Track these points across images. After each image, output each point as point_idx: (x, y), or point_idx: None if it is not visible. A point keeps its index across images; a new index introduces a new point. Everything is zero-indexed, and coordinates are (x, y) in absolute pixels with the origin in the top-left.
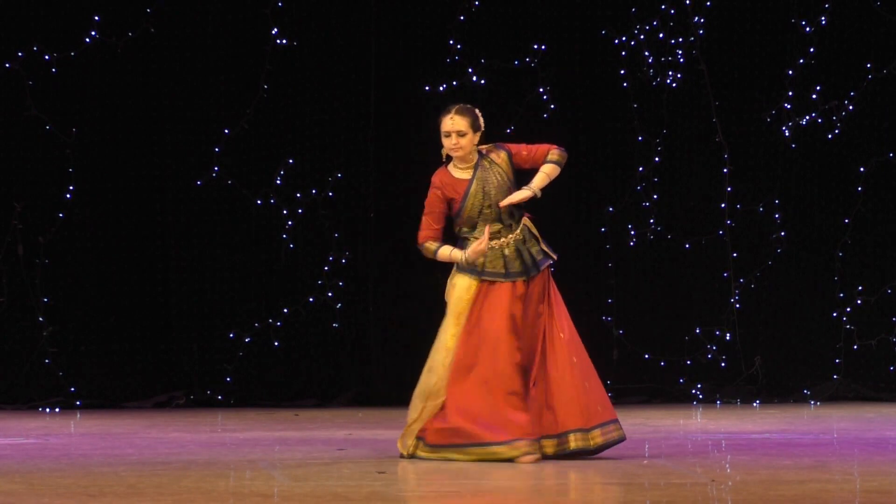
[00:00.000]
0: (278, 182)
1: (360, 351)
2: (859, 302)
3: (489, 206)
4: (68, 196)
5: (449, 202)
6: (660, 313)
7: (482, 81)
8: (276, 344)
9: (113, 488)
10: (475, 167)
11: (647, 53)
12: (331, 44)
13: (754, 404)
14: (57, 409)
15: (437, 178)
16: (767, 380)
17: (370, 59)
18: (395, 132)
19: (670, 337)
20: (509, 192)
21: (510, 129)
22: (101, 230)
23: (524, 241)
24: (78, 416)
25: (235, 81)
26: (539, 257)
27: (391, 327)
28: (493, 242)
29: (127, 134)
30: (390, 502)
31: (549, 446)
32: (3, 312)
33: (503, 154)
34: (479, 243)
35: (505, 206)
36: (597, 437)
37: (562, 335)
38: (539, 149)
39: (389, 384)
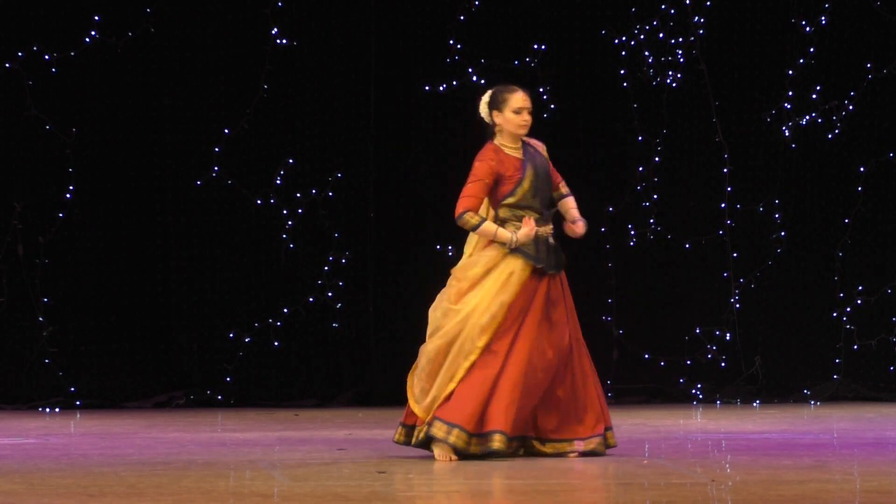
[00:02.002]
0: (278, 182)
1: (360, 351)
2: (859, 302)
3: (539, 191)
4: (68, 196)
5: (498, 178)
6: (660, 313)
7: (482, 81)
8: (276, 344)
9: (113, 488)
10: (523, 149)
11: (647, 53)
12: (331, 44)
13: (754, 404)
14: (57, 409)
15: (491, 152)
16: (767, 380)
17: (370, 59)
18: (395, 132)
19: (670, 337)
20: (550, 181)
21: None
22: (101, 230)
23: (555, 237)
24: (78, 416)
25: (235, 81)
26: (563, 257)
27: (391, 327)
28: (540, 230)
29: (127, 134)
30: (390, 502)
31: (552, 447)
32: (3, 312)
33: (542, 145)
34: (527, 227)
35: (548, 205)
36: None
37: (578, 340)
38: (556, 173)
39: (389, 384)
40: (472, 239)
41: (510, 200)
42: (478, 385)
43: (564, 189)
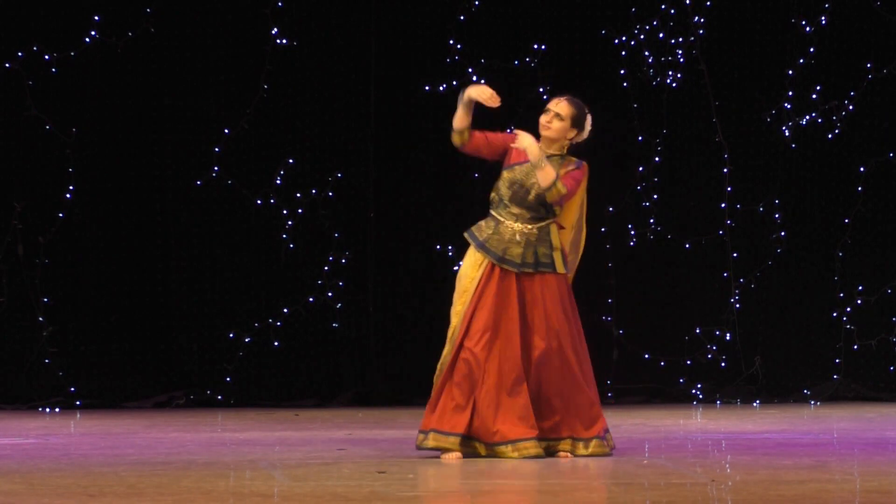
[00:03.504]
0: (278, 182)
1: (360, 351)
2: (859, 302)
3: (528, 187)
4: (68, 196)
5: (506, 151)
6: (660, 313)
7: (482, 81)
8: (276, 344)
9: (113, 488)
10: (550, 156)
11: (647, 53)
12: (331, 44)
13: (754, 404)
14: (57, 409)
15: (523, 132)
16: (767, 380)
17: (370, 59)
18: (395, 132)
19: (670, 337)
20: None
21: (510, 129)
22: (101, 230)
23: (538, 239)
24: (78, 416)
25: (235, 81)
26: (544, 259)
27: (391, 327)
28: (512, 225)
29: (127, 134)
30: (390, 502)
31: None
32: (3, 312)
33: (571, 166)
34: (479, 90)
35: (533, 197)
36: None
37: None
38: (569, 177)
39: (389, 384)
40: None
41: (506, 172)
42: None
43: (560, 179)
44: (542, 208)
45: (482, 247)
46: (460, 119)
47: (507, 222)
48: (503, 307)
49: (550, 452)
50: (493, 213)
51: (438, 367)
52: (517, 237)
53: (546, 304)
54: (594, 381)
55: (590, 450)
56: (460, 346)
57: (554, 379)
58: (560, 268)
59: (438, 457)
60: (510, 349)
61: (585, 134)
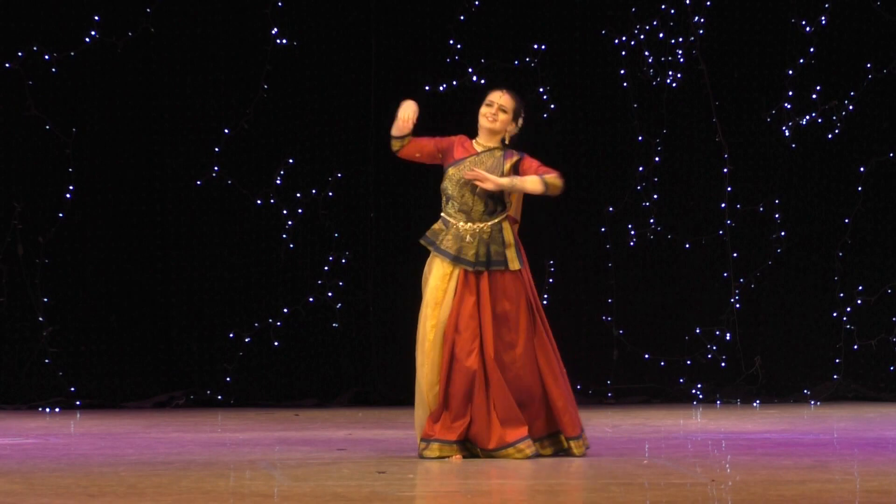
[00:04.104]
0: (278, 182)
1: (360, 351)
2: (859, 302)
3: (470, 185)
4: (68, 196)
5: (443, 153)
6: (660, 313)
7: (482, 81)
8: (276, 344)
9: (113, 488)
10: (486, 152)
11: (647, 53)
12: (331, 44)
13: (754, 404)
14: (57, 409)
15: (456, 137)
16: (767, 380)
17: (370, 59)
18: None
19: (670, 337)
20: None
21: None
22: (101, 230)
23: (490, 237)
24: (78, 416)
25: (235, 81)
26: (496, 258)
27: (391, 327)
28: (462, 225)
29: (127, 134)
30: (390, 502)
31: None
32: (3, 312)
33: (515, 157)
34: (406, 111)
35: (481, 191)
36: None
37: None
38: (543, 168)
39: (389, 384)
40: None
41: (450, 171)
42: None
43: (543, 174)
44: (490, 201)
45: (440, 250)
46: (399, 129)
47: (458, 223)
48: (477, 312)
49: (542, 451)
50: (443, 214)
51: (423, 379)
52: (467, 237)
53: (505, 304)
54: (565, 377)
55: (576, 450)
56: (451, 357)
57: (525, 379)
58: (513, 264)
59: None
60: (488, 353)
61: (518, 127)
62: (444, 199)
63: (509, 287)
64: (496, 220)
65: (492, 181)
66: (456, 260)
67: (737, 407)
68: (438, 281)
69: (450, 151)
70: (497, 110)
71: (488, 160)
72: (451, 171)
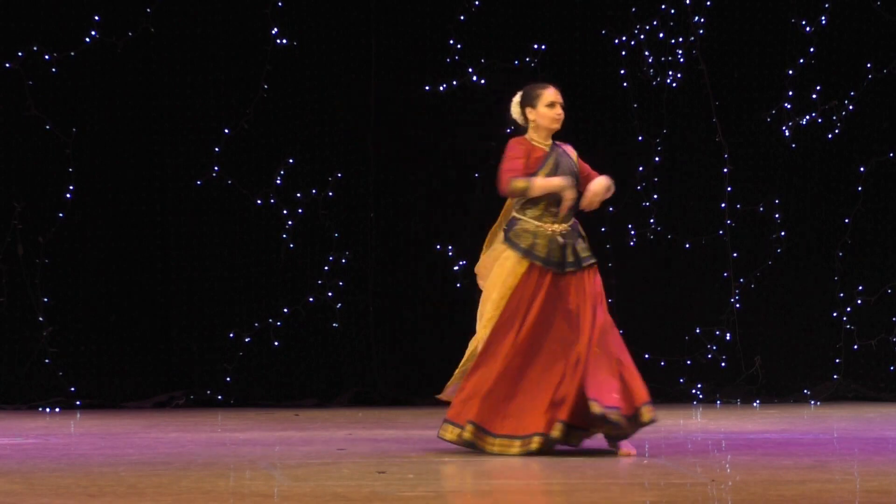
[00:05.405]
0: (278, 182)
1: (360, 351)
2: (859, 302)
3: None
4: (68, 196)
5: (529, 166)
6: (660, 313)
7: (482, 81)
8: (276, 344)
9: (113, 488)
10: (551, 147)
11: (647, 53)
12: (331, 44)
13: (754, 404)
14: (57, 409)
15: (520, 138)
16: (767, 380)
17: (370, 59)
18: (395, 132)
19: (670, 337)
20: (574, 183)
21: (510, 129)
22: (101, 230)
23: (571, 235)
24: (78, 416)
25: (235, 81)
26: (583, 254)
27: (391, 327)
28: (549, 227)
29: (127, 134)
30: (390, 502)
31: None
32: (3, 312)
33: (572, 150)
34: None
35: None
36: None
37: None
38: (591, 171)
39: (389, 384)
40: (490, 237)
41: (540, 175)
42: (476, 382)
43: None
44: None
45: (529, 253)
46: (535, 189)
47: (545, 225)
48: (552, 310)
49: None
50: (524, 218)
51: (471, 365)
52: (559, 238)
53: (579, 298)
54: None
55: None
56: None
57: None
58: (593, 256)
59: (432, 453)
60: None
61: None
62: (517, 217)
63: (592, 283)
64: (573, 219)
65: (598, 200)
66: (548, 263)
67: (737, 407)
68: (508, 279)
69: (530, 160)
70: (561, 109)
71: (563, 159)
72: (541, 175)
